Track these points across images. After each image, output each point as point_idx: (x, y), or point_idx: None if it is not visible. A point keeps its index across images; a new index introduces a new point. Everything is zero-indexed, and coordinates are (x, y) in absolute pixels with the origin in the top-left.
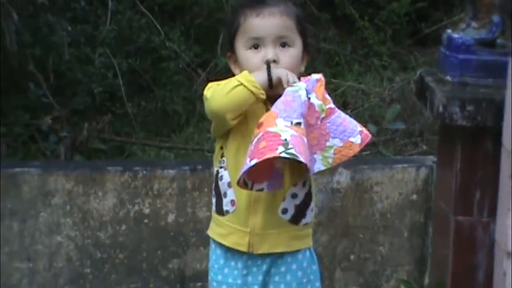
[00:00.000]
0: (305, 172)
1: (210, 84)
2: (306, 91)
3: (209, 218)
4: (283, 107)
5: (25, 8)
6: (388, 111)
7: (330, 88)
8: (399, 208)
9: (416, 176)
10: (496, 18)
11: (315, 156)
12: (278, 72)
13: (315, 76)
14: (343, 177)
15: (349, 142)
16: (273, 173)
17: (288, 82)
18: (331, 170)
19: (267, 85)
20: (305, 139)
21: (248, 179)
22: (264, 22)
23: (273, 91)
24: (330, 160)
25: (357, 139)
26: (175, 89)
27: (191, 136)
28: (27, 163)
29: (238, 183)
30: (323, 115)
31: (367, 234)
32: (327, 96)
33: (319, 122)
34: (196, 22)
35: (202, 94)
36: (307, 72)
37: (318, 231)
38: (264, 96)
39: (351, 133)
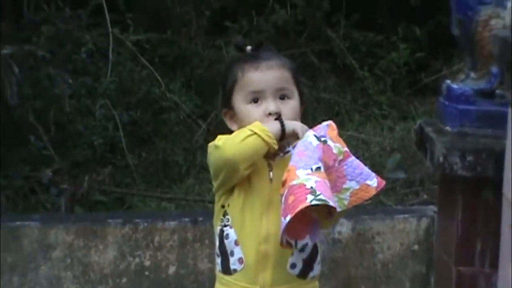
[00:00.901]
0: (327, 218)
1: (220, 136)
2: (316, 136)
3: (210, 270)
4: (298, 158)
5: (25, 60)
6: (389, 160)
7: None
8: (400, 258)
9: (418, 226)
10: (494, 68)
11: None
12: (292, 123)
13: (325, 122)
14: (344, 228)
15: (365, 185)
16: (310, 223)
17: (303, 134)
18: (342, 215)
19: (279, 136)
20: (328, 182)
21: (289, 237)
22: (263, 76)
23: (279, 144)
24: (346, 202)
25: (373, 182)
26: (175, 140)
27: (192, 187)
28: (27, 216)
29: (281, 244)
30: (340, 157)
31: (369, 285)
32: (346, 148)
33: (336, 164)
34: (196, 73)
35: (203, 145)
36: (315, 123)
37: (320, 282)
38: (276, 146)
39: (368, 176)
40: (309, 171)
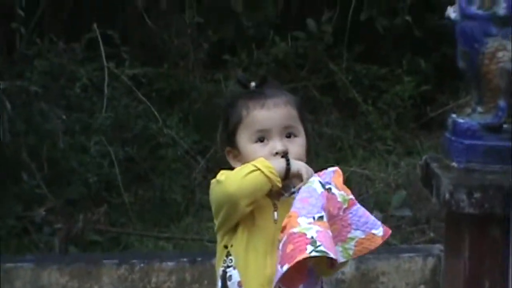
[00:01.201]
0: (330, 267)
1: (222, 171)
2: (321, 183)
3: None
4: (301, 205)
5: (18, 96)
6: (394, 197)
7: None
8: None
9: (424, 265)
10: (502, 102)
11: (336, 247)
12: (297, 164)
13: (331, 168)
14: (348, 267)
15: (371, 234)
16: (306, 273)
17: (307, 178)
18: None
19: (283, 174)
20: (330, 232)
21: (283, 286)
22: (270, 114)
23: (283, 183)
24: (351, 252)
25: (379, 231)
26: (173, 177)
27: (190, 225)
28: (19, 257)
29: None
30: (345, 206)
31: None
32: (351, 195)
33: (341, 213)
34: (194, 107)
35: (201, 182)
36: (318, 160)
37: None
38: (280, 185)
39: (374, 225)
40: (311, 220)
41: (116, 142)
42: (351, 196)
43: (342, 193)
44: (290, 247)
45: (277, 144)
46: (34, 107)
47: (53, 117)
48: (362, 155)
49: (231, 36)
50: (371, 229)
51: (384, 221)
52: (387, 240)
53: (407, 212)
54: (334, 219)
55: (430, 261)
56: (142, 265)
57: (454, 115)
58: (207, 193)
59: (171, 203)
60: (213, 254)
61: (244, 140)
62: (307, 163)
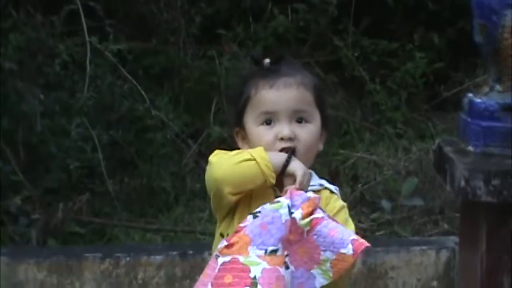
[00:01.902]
0: None
1: (217, 151)
2: (289, 207)
3: None
4: (259, 231)
5: None
6: (404, 185)
7: (338, 160)
8: None
9: (437, 259)
10: None
11: (313, 271)
12: (296, 166)
13: (310, 194)
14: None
15: (341, 254)
16: None
17: (301, 183)
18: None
19: (279, 170)
20: (282, 269)
21: None
22: (278, 95)
23: (278, 178)
24: (331, 274)
25: (348, 250)
26: (162, 163)
27: (181, 216)
28: None
29: None
30: (307, 228)
31: None
32: (314, 214)
33: (305, 236)
34: (185, 87)
35: (193, 168)
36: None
37: None
38: (273, 181)
39: (341, 244)
40: (262, 252)
41: (100, 124)
42: (317, 215)
43: (303, 222)
44: (228, 277)
45: (284, 129)
46: (8, 85)
47: (29, 97)
48: (370, 139)
49: (225, 8)
50: (339, 248)
51: (393, 211)
52: (397, 231)
53: (418, 202)
54: (299, 244)
55: (444, 255)
56: (128, 259)
57: (470, 95)
58: (199, 181)
59: (160, 192)
60: (205, 247)
61: (250, 121)
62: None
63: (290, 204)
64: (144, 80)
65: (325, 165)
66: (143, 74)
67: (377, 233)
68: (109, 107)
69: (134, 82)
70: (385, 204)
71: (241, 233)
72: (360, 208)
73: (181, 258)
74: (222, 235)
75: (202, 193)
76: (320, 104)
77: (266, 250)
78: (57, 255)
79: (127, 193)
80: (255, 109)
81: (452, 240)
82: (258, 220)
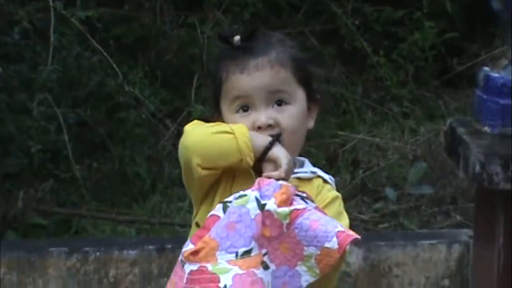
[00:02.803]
0: None
1: (195, 121)
2: (258, 200)
3: None
4: (225, 233)
5: None
6: (411, 171)
7: (336, 143)
8: None
9: (448, 255)
10: None
11: (298, 268)
12: (281, 152)
13: (281, 181)
14: (353, 257)
15: (325, 249)
16: None
17: (285, 171)
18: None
19: (259, 153)
20: (259, 271)
21: None
22: (250, 79)
23: (257, 163)
24: (317, 271)
25: (333, 244)
26: (136, 146)
27: (158, 206)
28: None
29: None
30: (286, 221)
31: None
32: (294, 205)
33: (285, 230)
34: (163, 60)
35: (171, 151)
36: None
37: None
38: (251, 162)
39: (325, 237)
40: (233, 257)
41: (65, 102)
42: (296, 206)
43: (280, 210)
44: None
45: (261, 115)
46: None
47: None
48: (372, 119)
49: None
50: (323, 243)
51: (398, 201)
52: (403, 223)
53: (427, 190)
54: (280, 239)
55: (456, 250)
56: (97, 254)
57: (486, 69)
58: (178, 166)
59: (134, 178)
60: (185, 240)
61: (225, 108)
62: (311, 131)
63: (259, 196)
64: (116, 51)
65: (321, 148)
66: (115, 45)
67: (381, 226)
68: (76, 82)
69: (105, 53)
70: (390, 192)
71: (207, 237)
72: (361, 197)
73: (158, 253)
74: (198, 225)
75: (181, 180)
76: (302, 79)
77: (237, 253)
78: (17, 249)
79: (97, 180)
80: (228, 95)
81: (466, 233)
82: (223, 220)
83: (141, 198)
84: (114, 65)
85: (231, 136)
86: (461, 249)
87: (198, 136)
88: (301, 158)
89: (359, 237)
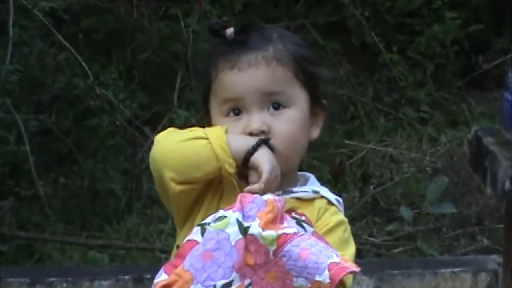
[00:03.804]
0: None
1: (169, 129)
2: (239, 223)
3: None
4: (201, 263)
5: None
6: (430, 187)
7: (343, 154)
8: None
9: (473, 285)
10: None
11: None
12: (262, 157)
13: (266, 196)
14: (363, 287)
15: (316, 282)
16: None
17: (267, 181)
18: None
19: (241, 157)
20: None
21: None
22: (242, 77)
23: (241, 170)
24: None
25: (324, 277)
26: (110, 158)
27: (135, 228)
28: None
29: None
30: (273, 247)
31: None
32: (284, 224)
33: (271, 257)
34: (140, 57)
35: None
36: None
37: None
38: (231, 170)
39: (315, 269)
40: None
41: (27, 107)
42: (284, 230)
43: (265, 234)
44: None
45: (253, 120)
46: None
47: None
48: (385, 126)
49: None
50: (313, 275)
51: (415, 222)
52: (421, 248)
53: (449, 209)
54: (267, 267)
55: (484, 279)
56: (64, 285)
57: None
58: None
59: (107, 196)
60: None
61: (215, 111)
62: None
63: (241, 217)
64: (86, 48)
65: (325, 160)
66: (84, 40)
67: (395, 250)
68: (39, 83)
69: (73, 50)
70: (405, 212)
71: (180, 268)
72: (372, 217)
73: (135, 284)
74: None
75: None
76: (306, 79)
77: (214, 287)
78: None
79: (64, 198)
80: (217, 96)
81: (494, 260)
82: (199, 248)
83: (116, 219)
84: (84, 64)
85: (204, 141)
86: (489, 279)
87: (167, 145)
88: (306, 174)
89: (357, 270)
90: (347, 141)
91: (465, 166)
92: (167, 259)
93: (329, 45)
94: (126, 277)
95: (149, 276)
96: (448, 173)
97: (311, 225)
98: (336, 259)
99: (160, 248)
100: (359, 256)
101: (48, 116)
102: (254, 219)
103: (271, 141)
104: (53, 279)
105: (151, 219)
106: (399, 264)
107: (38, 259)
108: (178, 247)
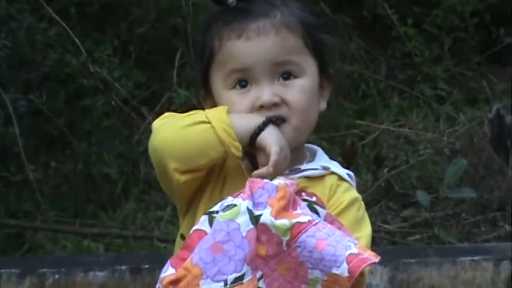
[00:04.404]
0: None
1: (166, 114)
2: (250, 212)
3: None
4: (211, 257)
5: None
6: (448, 170)
7: (354, 135)
8: None
9: (495, 275)
10: None
11: None
12: (269, 137)
13: (277, 180)
14: (377, 278)
15: (333, 276)
16: None
17: (275, 163)
18: None
19: (247, 139)
20: None
21: None
22: (250, 46)
23: (248, 150)
24: None
25: (342, 270)
26: (105, 141)
27: (132, 215)
28: None
29: None
30: (287, 237)
31: None
32: (298, 210)
33: (284, 247)
34: (137, 32)
35: (148, 147)
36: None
37: None
38: (238, 153)
39: (333, 262)
40: (221, 286)
41: (16, 85)
42: (299, 219)
43: (278, 224)
44: None
45: (264, 92)
46: None
47: None
48: (399, 105)
49: None
50: (330, 268)
51: (432, 207)
52: (438, 235)
53: (468, 193)
54: (279, 258)
55: (505, 268)
56: (57, 276)
57: None
58: None
59: (102, 181)
60: (166, 259)
61: (218, 84)
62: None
63: (251, 205)
64: (78, 22)
65: (336, 142)
66: (77, 14)
67: (410, 238)
68: (29, 61)
69: (64, 25)
70: (422, 196)
71: (188, 262)
72: (386, 203)
73: (132, 275)
74: (183, 238)
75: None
76: (315, 47)
77: (225, 281)
78: None
79: (55, 184)
80: (222, 67)
81: None
82: (208, 240)
83: (111, 205)
84: (76, 40)
85: (206, 126)
86: (511, 267)
87: (168, 133)
88: (313, 147)
89: (376, 260)
90: (358, 121)
91: (486, 147)
92: (166, 248)
93: (339, 18)
94: (123, 267)
95: (147, 266)
96: (467, 154)
97: (323, 207)
98: (355, 250)
99: (159, 237)
100: (372, 244)
101: (38, 96)
102: (265, 207)
103: (285, 113)
104: (45, 270)
105: (149, 206)
106: (415, 252)
107: (28, 249)
108: (182, 236)
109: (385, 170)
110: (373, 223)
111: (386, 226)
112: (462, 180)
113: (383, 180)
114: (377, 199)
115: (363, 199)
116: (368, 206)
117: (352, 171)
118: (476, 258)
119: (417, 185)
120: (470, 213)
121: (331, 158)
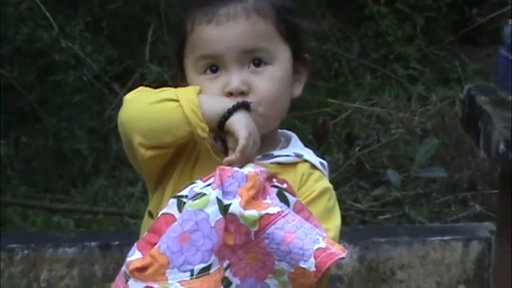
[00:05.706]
0: None
1: (140, 88)
2: (219, 201)
3: None
4: (178, 246)
5: None
6: (419, 149)
7: (326, 114)
8: None
9: (465, 254)
10: None
11: (268, 281)
12: (238, 122)
13: (247, 168)
14: (347, 257)
15: (300, 269)
16: None
17: (243, 149)
18: None
19: (216, 121)
20: None
21: None
22: (220, 32)
23: (216, 132)
24: (292, 286)
25: (309, 265)
26: (76, 116)
27: (102, 191)
28: None
29: None
30: (255, 228)
31: None
32: (267, 200)
33: (252, 237)
34: (110, 7)
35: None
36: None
37: None
38: (204, 134)
39: (301, 255)
40: (187, 276)
41: None
42: (268, 210)
43: (247, 214)
44: None
45: (233, 78)
46: None
47: None
48: (371, 84)
49: None
50: (297, 261)
51: (403, 187)
52: (408, 214)
53: (439, 173)
54: (246, 247)
55: (475, 248)
56: (26, 252)
57: None
58: None
59: (72, 157)
60: (136, 235)
61: (190, 68)
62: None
63: (221, 195)
64: None
65: (307, 120)
66: None
67: (381, 217)
68: (0, 35)
69: None
70: (392, 176)
71: (155, 250)
72: (357, 181)
73: (102, 251)
74: (151, 215)
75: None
76: (289, 33)
77: (192, 271)
78: None
79: (26, 159)
80: (192, 52)
81: (486, 227)
82: (175, 229)
83: (82, 181)
84: (48, 14)
85: (174, 104)
86: (481, 247)
87: (136, 107)
88: (288, 133)
89: (344, 255)
90: (330, 100)
91: (457, 127)
92: (136, 224)
93: None
94: (93, 243)
95: (117, 242)
96: (438, 134)
97: (293, 194)
98: (323, 244)
99: (129, 213)
100: (342, 223)
101: (10, 71)
102: (234, 196)
103: (250, 103)
104: (14, 245)
105: (119, 182)
106: (385, 231)
107: None
108: (150, 213)
109: (356, 149)
110: (343, 202)
111: (357, 205)
112: (433, 159)
113: (354, 159)
114: (348, 178)
115: (334, 178)
116: (338, 185)
117: (323, 149)
118: (446, 238)
119: (388, 164)
120: (440, 193)
121: (305, 145)
